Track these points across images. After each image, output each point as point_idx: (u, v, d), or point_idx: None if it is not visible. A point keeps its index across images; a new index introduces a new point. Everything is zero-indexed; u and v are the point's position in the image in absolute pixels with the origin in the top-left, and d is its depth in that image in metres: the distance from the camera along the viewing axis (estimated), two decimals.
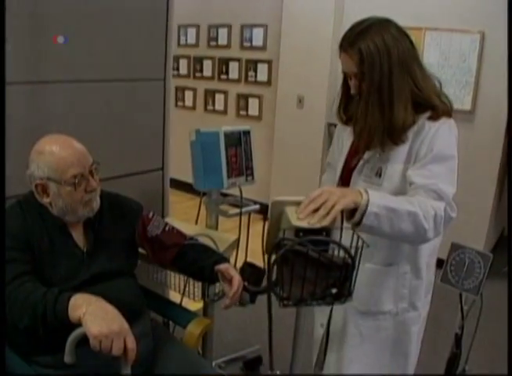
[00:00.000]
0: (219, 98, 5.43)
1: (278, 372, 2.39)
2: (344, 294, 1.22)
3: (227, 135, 2.11)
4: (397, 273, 1.62)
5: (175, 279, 2.27)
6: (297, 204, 1.24)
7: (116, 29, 2.21)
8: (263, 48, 4.95)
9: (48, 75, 2.02)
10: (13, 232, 1.57)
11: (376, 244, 1.58)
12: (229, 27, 5.13)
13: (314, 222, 1.19)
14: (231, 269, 1.69)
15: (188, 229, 2.09)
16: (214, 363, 2.53)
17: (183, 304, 2.14)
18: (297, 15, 4.49)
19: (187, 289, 2.18)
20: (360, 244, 1.22)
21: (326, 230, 1.20)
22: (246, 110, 5.23)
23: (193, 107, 5.68)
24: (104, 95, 2.26)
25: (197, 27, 5.39)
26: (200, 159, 2.12)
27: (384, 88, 1.44)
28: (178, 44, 5.56)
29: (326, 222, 1.19)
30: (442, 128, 1.47)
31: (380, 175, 1.55)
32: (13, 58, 1.88)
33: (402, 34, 1.48)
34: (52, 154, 1.59)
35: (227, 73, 5.29)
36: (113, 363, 1.38)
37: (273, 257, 1.21)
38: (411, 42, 1.49)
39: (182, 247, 1.85)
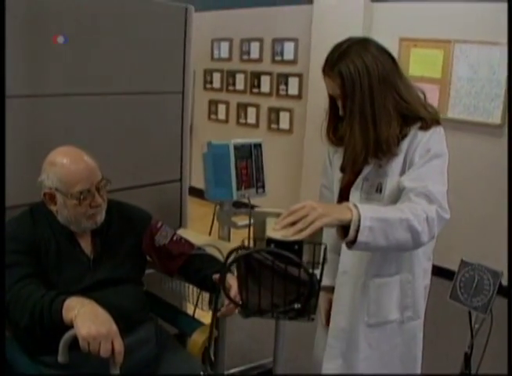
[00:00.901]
0: (251, 111, 5.50)
1: None
2: (307, 310, 1.19)
3: (237, 148, 2.16)
4: (400, 282, 1.63)
5: (186, 288, 2.31)
6: (278, 215, 1.24)
7: (133, 45, 2.30)
8: (294, 61, 4.99)
9: (66, 88, 2.12)
10: (22, 237, 1.66)
11: (384, 257, 1.60)
12: (261, 40, 5.21)
13: (288, 235, 1.18)
14: (231, 278, 1.71)
15: (199, 239, 2.14)
16: (226, 373, 2.55)
17: (203, 316, 2.17)
18: (326, 29, 4.51)
19: (194, 298, 2.21)
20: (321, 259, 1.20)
21: (299, 244, 1.18)
22: (278, 123, 5.28)
23: (226, 120, 5.77)
24: (123, 108, 2.35)
25: (230, 40, 5.49)
26: (211, 171, 2.17)
27: (366, 106, 1.46)
28: (212, 58, 5.69)
29: (299, 237, 1.18)
30: (435, 135, 1.51)
31: (380, 191, 1.56)
32: (33, 73, 1.98)
33: (382, 52, 1.49)
34: (62, 167, 1.66)
35: (259, 86, 5.36)
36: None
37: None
38: (392, 59, 1.51)
39: (188, 257, 1.89)
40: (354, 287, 1.64)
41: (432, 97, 3.91)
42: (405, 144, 1.51)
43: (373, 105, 1.45)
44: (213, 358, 2.32)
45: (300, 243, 1.18)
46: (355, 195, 1.61)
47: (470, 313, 1.90)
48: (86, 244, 1.77)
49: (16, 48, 1.91)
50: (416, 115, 1.50)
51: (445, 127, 4.24)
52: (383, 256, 1.59)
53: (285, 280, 1.14)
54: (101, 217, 1.75)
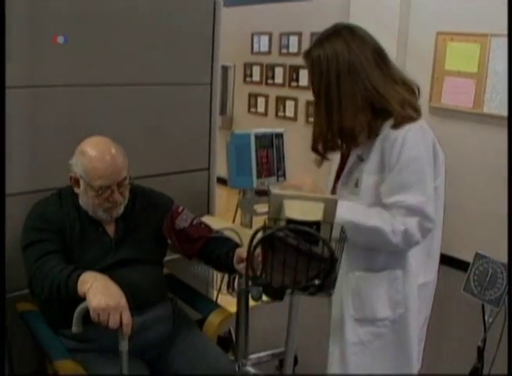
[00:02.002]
0: (290, 105, 5.54)
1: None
2: (326, 285, 1.27)
3: (258, 138, 2.21)
4: (388, 279, 1.61)
5: (211, 274, 2.38)
6: (295, 197, 1.30)
7: (163, 37, 2.38)
8: None
9: (101, 79, 2.24)
10: (48, 216, 1.78)
11: (369, 252, 1.59)
12: (300, 34, 5.24)
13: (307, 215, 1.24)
14: (243, 251, 1.75)
15: (221, 225, 2.21)
16: (249, 358, 2.61)
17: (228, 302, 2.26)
18: (363, 23, 4.43)
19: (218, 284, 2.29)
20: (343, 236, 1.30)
21: (317, 224, 1.24)
22: None
23: (265, 113, 5.83)
24: (154, 98, 2.44)
25: (270, 34, 5.54)
26: (234, 159, 2.24)
27: (332, 93, 1.47)
28: (252, 51, 5.76)
29: (319, 217, 1.24)
30: (408, 137, 1.46)
31: (357, 185, 1.58)
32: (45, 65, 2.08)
33: (362, 40, 1.49)
34: (90, 160, 1.74)
35: (297, 80, 5.39)
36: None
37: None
38: (375, 49, 1.50)
39: (207, 240, 1.96)
40: (340, 278, 1.65)
41: (468, 92, 3.86)
42: (378, 144, 1.50)
43: (339, 92, 1.46)
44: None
45: (318, 223, 1.24)
46: (340, 189, 1.65)
47: (483, 307, 1.90)
48: (109, 226, 1.87)
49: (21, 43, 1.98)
50: (385, 108, 1.47)
51: (481, 122, 4.18)
52: (367, 251, 1.59)
53: (308, 258, 1.22)
54: (117, 212, 1.82)
